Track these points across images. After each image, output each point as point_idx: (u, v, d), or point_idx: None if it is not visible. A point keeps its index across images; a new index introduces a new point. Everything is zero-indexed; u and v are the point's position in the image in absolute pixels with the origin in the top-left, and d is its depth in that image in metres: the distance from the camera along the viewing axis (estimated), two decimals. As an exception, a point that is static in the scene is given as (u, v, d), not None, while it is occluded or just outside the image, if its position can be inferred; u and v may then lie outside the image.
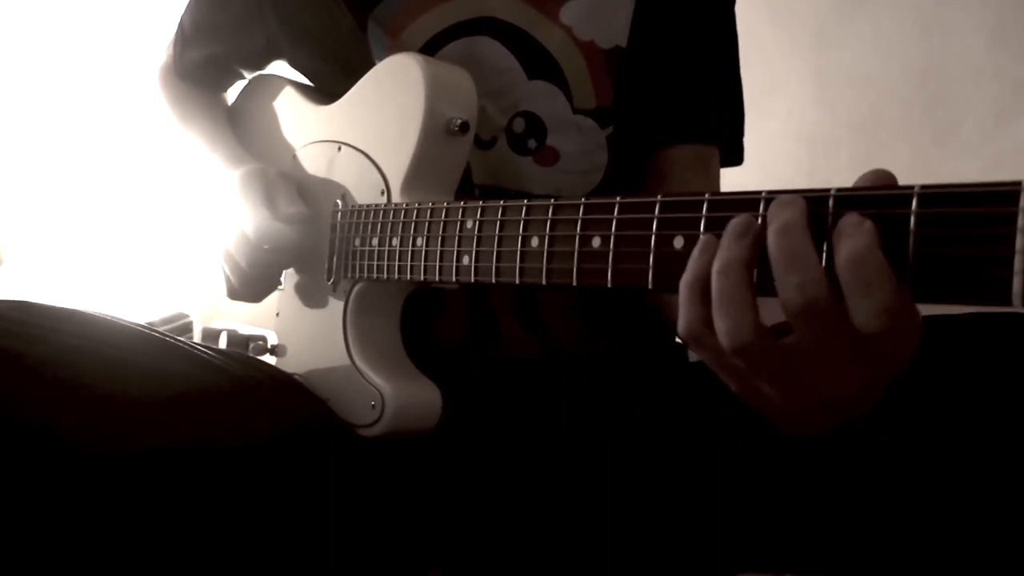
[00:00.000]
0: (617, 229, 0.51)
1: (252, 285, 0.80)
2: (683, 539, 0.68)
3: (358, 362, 0.71)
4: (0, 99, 1.81)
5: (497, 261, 0.59)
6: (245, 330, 0.87)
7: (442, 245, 0.63)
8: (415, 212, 0.66)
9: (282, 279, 0.82)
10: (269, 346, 0.82)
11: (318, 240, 0.76)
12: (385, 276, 0.69)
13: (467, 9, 0.78)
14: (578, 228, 0.53)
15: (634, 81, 0.81)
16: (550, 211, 0.55)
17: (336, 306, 0.74)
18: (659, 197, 0.49)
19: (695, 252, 0.46)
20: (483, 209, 0.60)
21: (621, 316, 0.83)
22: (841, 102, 1.73)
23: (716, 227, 0.46)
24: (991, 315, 0.58)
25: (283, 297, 0.81)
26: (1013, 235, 0.35)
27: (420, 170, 0.70)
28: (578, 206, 0.53)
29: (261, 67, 0.94)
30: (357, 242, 0.72)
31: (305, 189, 0.79)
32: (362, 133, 0.76)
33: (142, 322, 0.69)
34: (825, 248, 0.42)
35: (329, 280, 0.75)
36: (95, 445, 0.54)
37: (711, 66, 0.86)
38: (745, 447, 0.64)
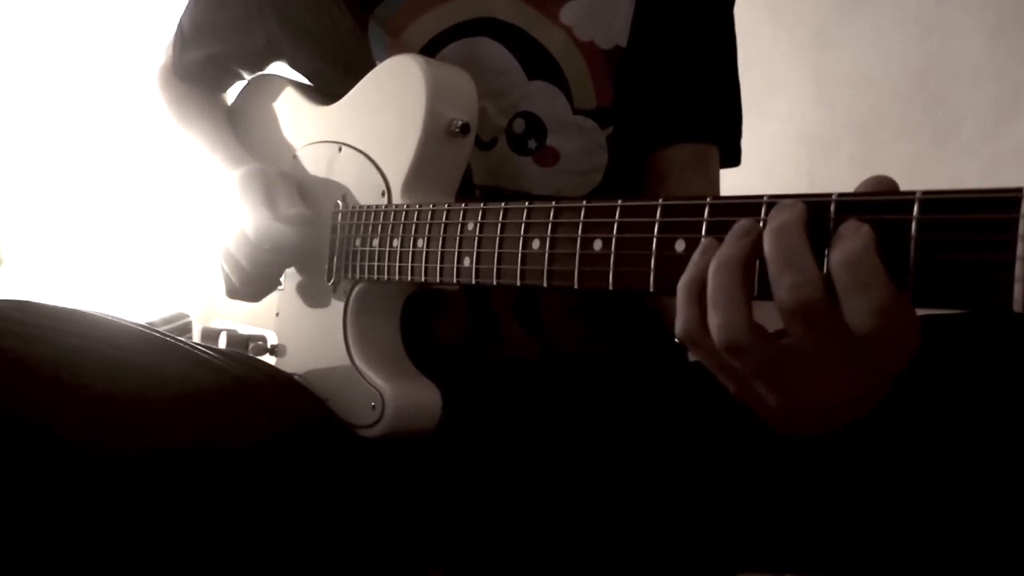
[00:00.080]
0: (618, 232, 0.51)
1: (252, 284, 0.80)
2: (683, 539, 0.68)
3: (358, 363, 0.71)
4: (0, 99, 1.81)
5: (498, 263, 0.59)
6: (245, 330, 0.87)
7: (443, 246, 0.63)
8: (416, 213, 0.66)
9: (282, 279, 0.82)
10: (269, 346, 0.82)
11: (318, 241, 0.76)
12: (386, 277, 0.69)
13: (467, 10, 0.78)
14: (579, 230, 0.53)
15: (634, 81, 0.81)
16: (551, 213, 0.55)
17: (336, 306, 0.74)
18: (660, 200, 0.49)
19: (696, 254, 0.46)
20: (484, 211, 0.60)
21: (622, 319, 0.83)
22: (841, 102, 1.73)
23: (717, 231, 0.46)
24: (990, 315, 0.58)
25: (283, 297, 0.81)
26: (1014, 241, 0.35)
27: (421, 171, 0.70)
28: (579, 208, 0.53)
29: (261, 67, 0.94)
30: (357, 243, 0.72)
31: (305, 190, 0.79)
32: (363, 134, 0.76)
33: (142, 322, 0.69)
34: (826, 254, 0.42)
35: (329, 281, 0.75)
36: (95, 445, 0.54)
37: (710, 66, 0.86)
38: (745, 448, 0.64)
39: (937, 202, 0.38)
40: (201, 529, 0.58)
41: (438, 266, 0.64)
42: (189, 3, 0.96)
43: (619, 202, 0.51)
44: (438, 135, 0.69)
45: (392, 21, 0.78)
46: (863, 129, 1.69)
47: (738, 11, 0.88)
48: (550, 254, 0.55)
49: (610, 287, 0.51)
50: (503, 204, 0.59)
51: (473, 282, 0.61)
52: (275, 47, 0.88)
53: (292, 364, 0.78)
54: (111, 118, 1.83)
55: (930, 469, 0.56)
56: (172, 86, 1.00)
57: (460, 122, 0.69)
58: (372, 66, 0.76)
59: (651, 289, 0.49)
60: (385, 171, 0.72)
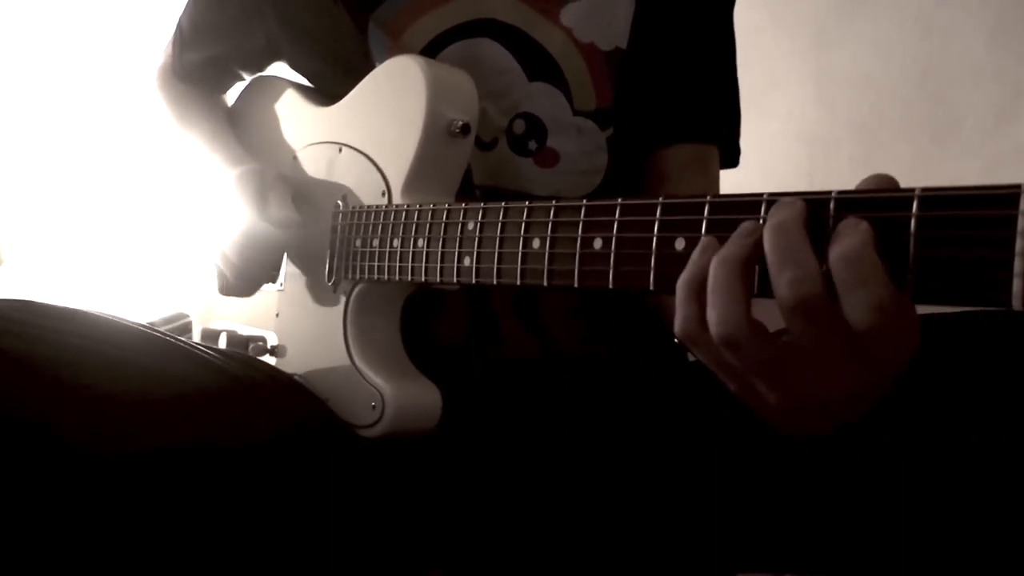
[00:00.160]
0: (619, 231, 0.51)
1: (243, 279, 0.80)
2: (683, 539, 0.68)
3: (358, 363, 0.71)
4: (0, 99, 1.81)
5: (498, 262, 0.59)
6: (245, 330, 0.87)
7: (443, 246, 0.63)
8: (416, 213, 0.66)
9: (282, 280, 0.82)
10: (269, 347, 0.82)
11: (318, 241, 0.76)
12: (386, 277, 0.69)
13: (467, 11, 0.78)
14: (580, 230, 0.53)
15: (634, 82, 0.81)
16: (551, 212, 0.55)
17: (336, 307, 0.74)
18: (661, 199, 0.49)
19: (695, 252, 0.47)
20: (484, 210, 0.60)
21: (622, 319, 0.83)
22: (841, 102, 1.73)
23: (718, 229, 0.46)
24: (990, 314, 0.58)
25: (283, 298, 0.82)
26: (1013, 238, 0.35)
27: (421, 171, 0.70)
28: (579, 207, 0.53)
29: (261, 68, 0.94)
30: (358, 243, 0.72)
31: (306, 190, 0.79)
32: (363, 134, 0.76)
33: (142, 322, 0.69)
34: (826, 250, 0.42)
35: (329, 281, 0.75)
36: (95, 445, 0.54)
37: (710, 67, 0.86)
38: (745, 448, 0.64)
39: (936, 199, 0.38)
40: (201, 529, 0.58)
41: (438, 266, 0.64)
42: (188, 3, 0.96)
43: (619, 201, 0.51)
44: (438, 135, 0.69)
45: (392, 23, 0.78)
46: (863, 129, 1.69)
47: (738, 11, 0.89)
48: (550, 253, 0.55)
49: (610, 286, 0.51)
50: (503, 204, 0.59)
51: (473, 281, 0.61)
52: (275, 47, 0.88)
53: (292, 364, 0.78)
54: (111, 118, 1.84)
55: (930, 469, 0.56)
56: (171, 86, 1.00)
57: (460, 122, 0.69)
58: (372, 67, 0.76)
59: (651, 287, 0.49)
60: (385, 171, 0.72)
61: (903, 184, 0.42)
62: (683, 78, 0.84)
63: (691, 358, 0.77)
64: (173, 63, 0.99)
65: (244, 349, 0.83)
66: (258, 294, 0.83)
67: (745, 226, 0.45)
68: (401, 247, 0.67)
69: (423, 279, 0.66)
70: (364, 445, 0.71)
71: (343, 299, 0.74)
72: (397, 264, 0.68)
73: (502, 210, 0.59)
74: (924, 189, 0.39)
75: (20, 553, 0.51)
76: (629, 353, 0.82)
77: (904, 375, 0.46)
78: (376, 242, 0.70)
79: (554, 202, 0.55)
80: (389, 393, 0.69)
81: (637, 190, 0.85)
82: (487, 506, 0.76)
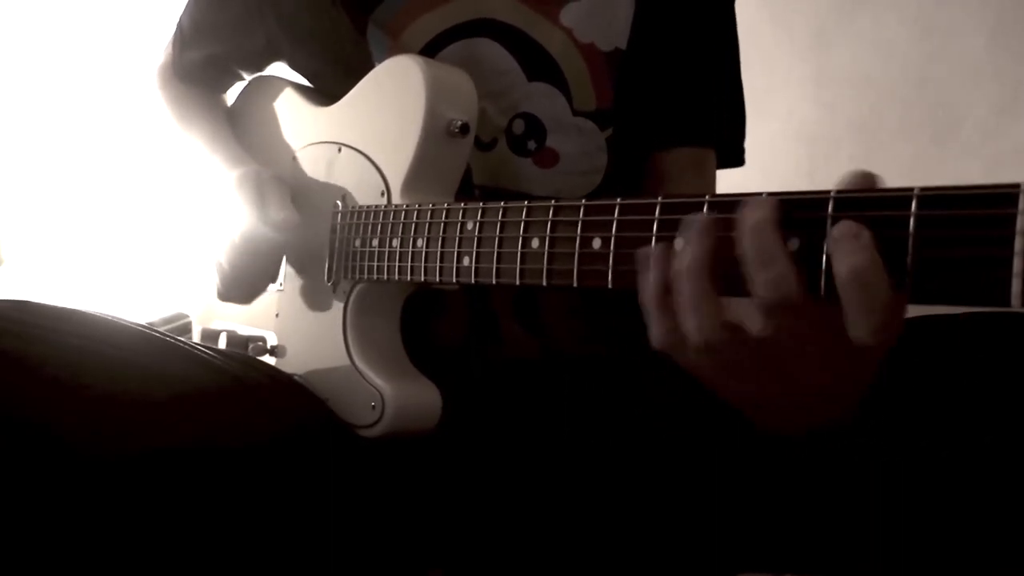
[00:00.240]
0: (618, 230, 0.51)
1: (239, 287, 0.79)
2: (683, 539, 0.68)
3: (358, 363, 0.71)
4: (0, 99, 1.81)
5: (497, 262, 0.59)
6: (245, 331, 0.87)
7: (442, 246, 0.63)
8: (415, 213, 0.66)
9: (282, 280, 0.82)
10: (269, 347, 0.82)
11: (317, 241, 0.76)
12: (385, 277, 0.69)
13: (467, 11, 0.78)
14: (579, 229, 0.53)
15: (634, 83, 0.81)
16: (551, 212, 0.55)
17: (336, 307, 0.74)
18: (659, 199, 0.49)
19: (651, 265, 0.47)
20: (483, 210, 0.60)
21: (622, 319, 0.83)
22: (841, 102, 1.73)
23: (717, 228, 0.46)
24: (989, 315, 0.58)
25: (283, 298, 0.82)
26: (1012, 237, 0.35)
27: (420, 171, 0.70)
28: (578, 207, 0.53)
29: (261, 68, 0.94)
30: (357, 243, 0.72)
31: (305, 190, 0.79)
32: (362, 134, 0.76)
33: (142, 322, 0.69)
34: (824, 251, 0.42)
35: (329, 281, 0.75)
36: (95, 445, 0.54)
37: (711, 68, 0.86)
38: (745, 448, 0.64)
39: (935, 198, 0.38)
40: (201, 529, 0.58)
41: (437, 265, 0.64)
42: (189, 3, 0.96)
43: (618, 200, 0.51)
44: (438, 135, 0.69)
45: (391, 23, 0.78)
46: (863, 129, 1.69)
47: (738, 11, 0.89)
48: (549, 253, 0.55)
49: (609, 285, 0.51)
50: (502, 203, 0.59)
51: (473, 281, 0.61)
52: (275, 47, 0.88)
53: (292, 364, 0.78)
54: (111, 118, 1.84)
55: (930, 469, 0.56)
56: (172, 86, 1.00)
57: (460, 122, 0.69)
58: (371, 67, 0.76)
59: (651, 287, 0.49)
60: (385, 171, 0.72)
61: (903, 184, 0.42)
62: (683, 80, 0.84)
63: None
64: (173, 63, 0.99)
65: (244, 349, 0.83)
66: (258, 294, 0.82)
67: (700, 224, 0.45)
68: (400, 247, 0.67)
69: (422, 279, 0.66)
70: (364, 445, 0.71)
71: (343, 299, 0.74)
72: (396, 264, 0.68)
73: (501, 209, 0.59)
74: (923, 188, 0.39)
75: (20, 553, 0.51)
76: (629, 353, 0.82)
77: (886, 362, 0.46)
78: (375, 242, 0.70)
79: (553, 202, 0.55)
80: (389, 393, 0.69)
81: (637, 190, 0.85)
82: (487, 506, 0.76)
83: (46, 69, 1.83)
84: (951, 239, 0.38)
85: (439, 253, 0.64)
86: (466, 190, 0.75)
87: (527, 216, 0.57)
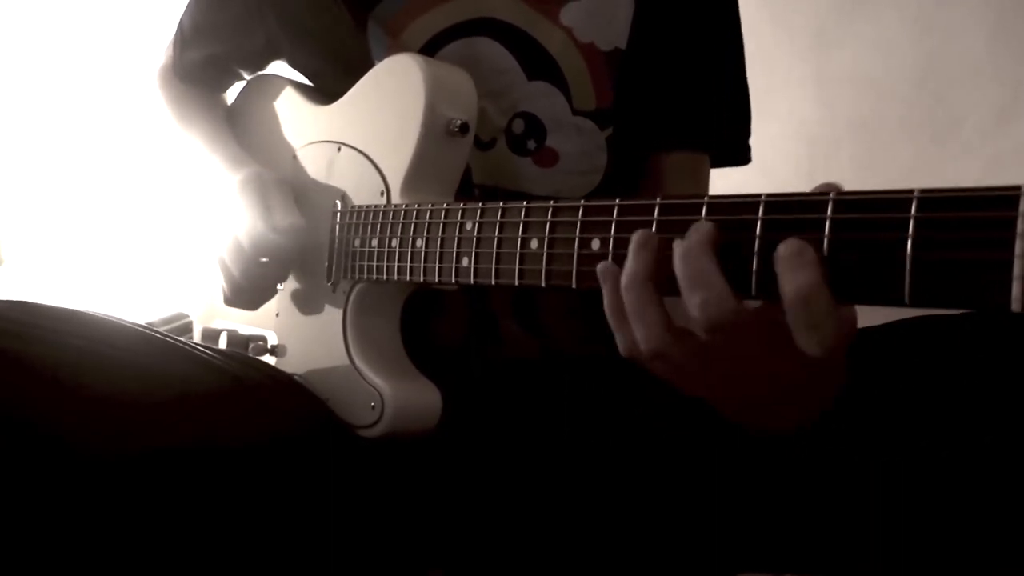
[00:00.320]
0: (616, 231, 0.51)
1: (247, 294, 0.79)
2: (683, 539, 0.68)
3: (358, 363, 0.71)
4: (0, 99, 1.81)
5: (496, 262, 0.59)
6: (245, 330, 0.87)
7: (441, 246, 0.63)
8: (415, 213, 0.66)
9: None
10: (269, 346, 0.82)
11: (317, 241, 0.76)
12: (385, 277, 0.69)
13: (467, 9, 0.78)
14: (577, 230, 0.53)
15: (634, 83, 0.81)
16: (549, 212, 0.55)
17: (336, 307, 0.74)
18: (658, 200, 0.49)
19: (604, 281, 0.49)
20: (482, 210, 0.60)
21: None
22: (841, 102, 1.73)
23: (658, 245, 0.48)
24: (989, 316, 0.58)
25: (283, 298, 0.82)
26: (1012, 239, 0.35)
27: (420, 171, 0.70)
28: (577, 208, 0.53)
29: (261, 67, 0.94)
30: (357, 243, 0.72)
31: (305, 190, 0.79)
32: (362, 133, 0.76)
33: (142, 322, 0.69)
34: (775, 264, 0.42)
35: (329, 281, 0.75)
36: (95, 445, 0.54)
37: (711, 69, 0.86)
38: (745, 448, 0.64)
39: (935, 200, 0.38)
40: (201, 529, 0.58)
41: (437, 266, 0.64)
42: (189, 3, 0.96)
43: (617, 201, 0.51)
44: (437, 135, 0.69)
45: (392, 21, 0.78)
46: (863, 129, 1.69)
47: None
48: (548, 254, 0.55)
49: (609, 286, 0.51)
50: (501, 204, 0.59)
51: (472, 282, 0.61)
52: (275, 47, 0.88)
53: (292, 364, 0.78)
54: (111, 118, 1.83)
55: (930, 469, 0.56)
56: (172, 86, 1.00)
57: (459, 122, 0.69)
58: (371, 66, 0.76)
59: (650, 288, 0.49)
60: (384, 171, 0.72)
61: (903, 184, 0.42)
62: (682, 80, 0.84)
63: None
64: (174, 62, 0.99)
65: (244, 349, 0.83)
66: (258, 294, 0.82)
67: (638, 239, 0.48)
68: (400, 247, 0.67)
69: (422, 279, 0.66)
70: (364, 445, 0.71)
71: (342, 299, 0.74)
72: (396, 264, 0.68)
73: (500, 210, 0.59)
74: (923, 190, 0.39)
75: (20, 553, 0.51)
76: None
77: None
78: (375, 242, 0.70)
79: (552, 202, 0.55)
80: (389, 393, 0.69)
81: (637, 190, 0.85)
82: (487, 506, 0.76)
83: (46, 69, 1.83)
84: (951, 241, 0.38)
85: (438, 253, 0.64)
86: (466, 190, 0.75)
87: (526, 216, 0.57)
